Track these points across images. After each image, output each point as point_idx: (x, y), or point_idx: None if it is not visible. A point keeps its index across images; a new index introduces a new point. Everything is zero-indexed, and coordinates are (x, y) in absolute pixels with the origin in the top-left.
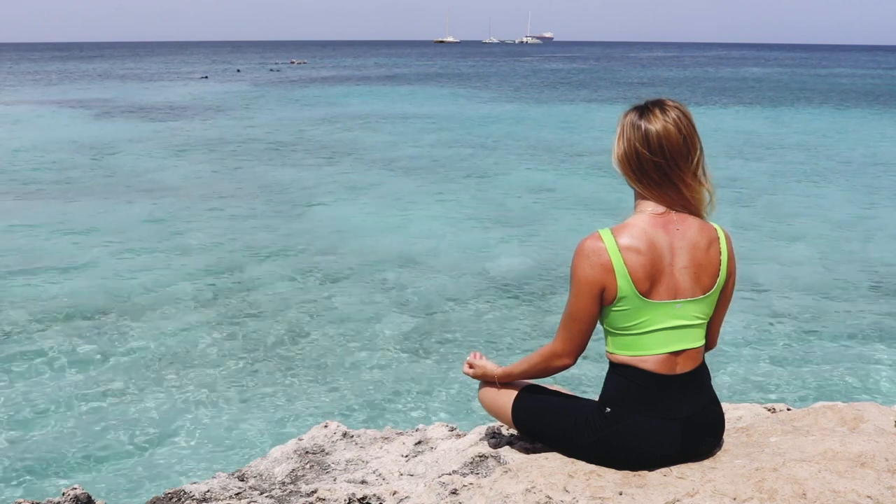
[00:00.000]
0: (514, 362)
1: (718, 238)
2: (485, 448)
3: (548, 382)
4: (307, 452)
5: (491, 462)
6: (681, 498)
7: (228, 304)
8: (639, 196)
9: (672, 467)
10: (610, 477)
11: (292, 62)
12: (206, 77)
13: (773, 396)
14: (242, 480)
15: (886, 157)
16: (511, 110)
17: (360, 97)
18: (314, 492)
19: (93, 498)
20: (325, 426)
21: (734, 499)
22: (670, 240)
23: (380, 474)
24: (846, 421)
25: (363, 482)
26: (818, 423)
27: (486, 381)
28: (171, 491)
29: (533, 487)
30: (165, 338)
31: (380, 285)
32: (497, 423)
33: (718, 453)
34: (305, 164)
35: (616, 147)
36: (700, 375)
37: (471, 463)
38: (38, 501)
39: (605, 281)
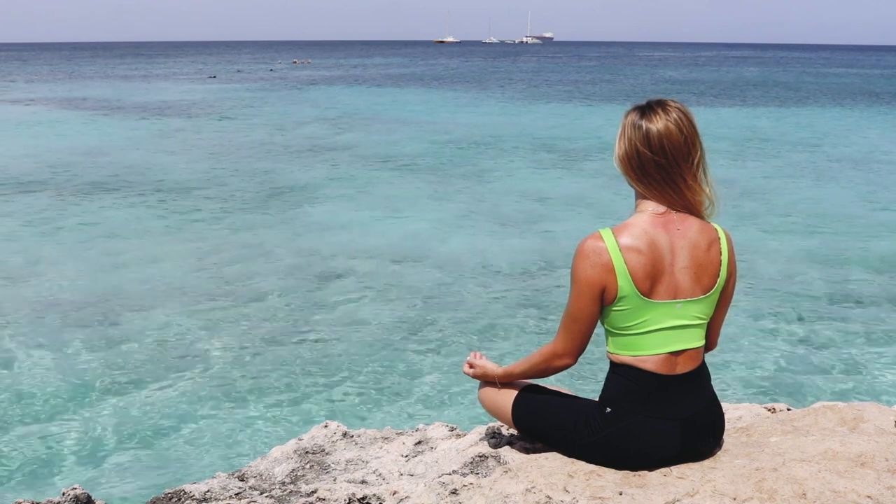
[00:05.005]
0: (515, 362)
1: (719, 238)
2: (485, 448)
3: (548, 382)
4: (307, 452)
5: (491, 462)
6: (681, 498)
7: (228, 304)
8: (639, 196)
9: (672, 467)
10: (610, 477)
11: (294, 62)
12: (214, 77)
13: (773, 396)
14: (242, 480)
15: (888, 156)
16: (511, 110)
17: (360, 97)
18: (314, 492)
19: (93, 498)
20: (325, 426)
21: (734, 499)
22: (671, 239)
23: (380, 474)
24: (846, 421)
25: (363, 482)
26: (818, 423)
27: (487, 380)
28: (171, 491)
29: (533, 487)
30: (164, 338)
31: (380, 285)
32: (497, 423)
33: (718, 453)
34: (307, 164)
35: (617, 147)
36: (700, 375)
37: (471, 463)
38: (38, 501)
39: (605, 281)
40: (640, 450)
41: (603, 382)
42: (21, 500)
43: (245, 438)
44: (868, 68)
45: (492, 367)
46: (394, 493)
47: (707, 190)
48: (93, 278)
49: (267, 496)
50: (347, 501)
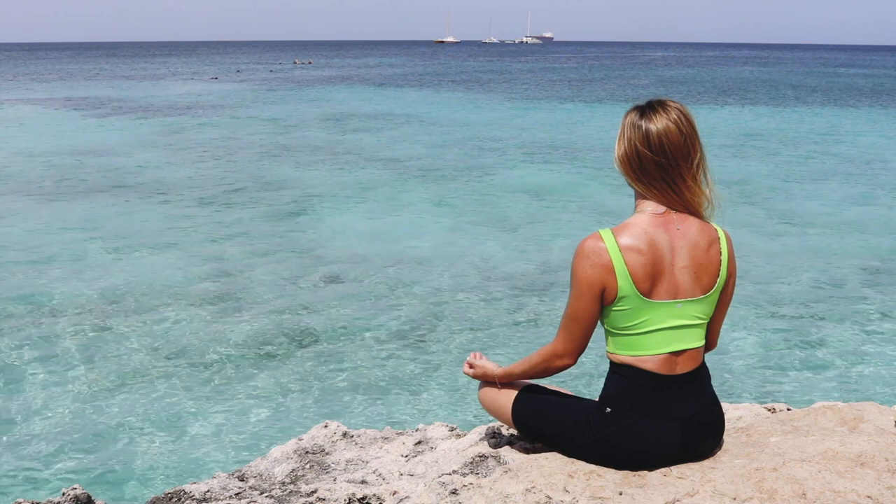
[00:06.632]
0: (515, 362)
1: (719, 238)
2: (485, 448)
3: (548, 382)
4: (307, 452)
5: (491, 462)
6: (681, 498)
7: (228, 304)
8: (639, 196)
9: (672, 467)
10: (610, 477)
11: (295, 62)
12: (216, 78)
13: (773, 396)
14: (242, 480)
15: (887, 155)
16: (511, 111)
17: (360, 98)
18: (314, 492)
19: (93, 498)
20: (325, 426)
21: (734, 499)
22: (671, 239)
23: (380, 474)
24: (846, 421)
25: (363, 482)
26: (818, 423)
27: (487, 381)
28: (171, 491)
29: (533, 487)
30: (164, 338)
31: (380, 285)
32: (497, 423)
33: (718, 453)
34: (306, 165)
35: (617, 147)
36: (700, 375)
37: (471, 463)
38: (38, 501)
39: (605, 281)
40: (640, 450)
41: (603, 382)
42: (21, 500)
43: (245, 438)
44: (868, 68)
45: (492, 367)
46: (394, 493)
47: (707, 191)
48: (92, 279)
49: (267, 496)
50: (347, 501)
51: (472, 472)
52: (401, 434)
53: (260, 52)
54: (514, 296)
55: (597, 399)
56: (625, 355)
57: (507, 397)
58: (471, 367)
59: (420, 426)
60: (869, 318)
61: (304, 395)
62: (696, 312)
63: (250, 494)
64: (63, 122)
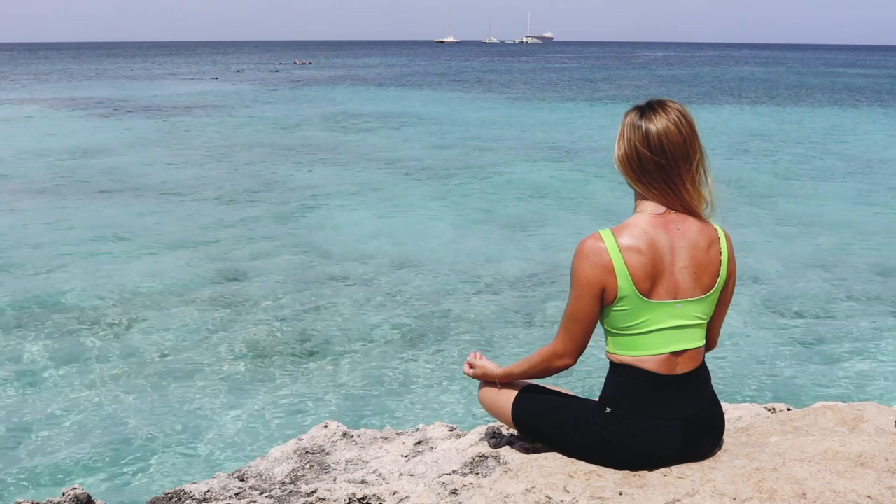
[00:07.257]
0: (515, 362)
1: (719, 238)
2: (485, 448)
3: (548, 382)
4: (307, 452)
5: (491, 462)
6: (681, 498)
7: (229, 305)
8: (639, 196)
9: (672, 467)
10: (610, 477)
11: (295, 62)
12: (217, 78)
13: (773, 396)
14: (242, 480)
15: (888, 154)
16: (511, 110)
17: (361, 98)
18: (314, 492)
19: (93, 498)
20: (325, 426)
21: (734, 499)
22: (671, 239)
23: (380, 474)
24: (846, 421)
25: (363, 482)
26: (818, 423)
27: (487, 381)
28: (171, 491)
29: (533, 487)
30: (165, 338)
31: (380, 285)
32: (497, 423)
33: (718, 453)
34: (309, 165)
35: (617, 147)
36: (700, 375)
37: (471, 463)
38: (38, 501)
39: (605, 281)
40: (640, 450)
41: (603, 382)
42: (21, 500)
43: (245, 438)
44: (868, 68)
45: (492, 367)
46: (394, 493)
47: (706, 192)
48: (91, 280)
49: (267, 496)
50: (347, 501)
51: (472, 472)
52: (401, 434)
53: (260, 52)
54: (515, 295)
55: (597, 399)
56: (625, 355)
57: (507, 397)
58: (471, 367)
59: (420, 426)
60: (869, 318)
61: (304, 394)
62: (696, 312)
63: (250, 494)
64: (66, 121)
